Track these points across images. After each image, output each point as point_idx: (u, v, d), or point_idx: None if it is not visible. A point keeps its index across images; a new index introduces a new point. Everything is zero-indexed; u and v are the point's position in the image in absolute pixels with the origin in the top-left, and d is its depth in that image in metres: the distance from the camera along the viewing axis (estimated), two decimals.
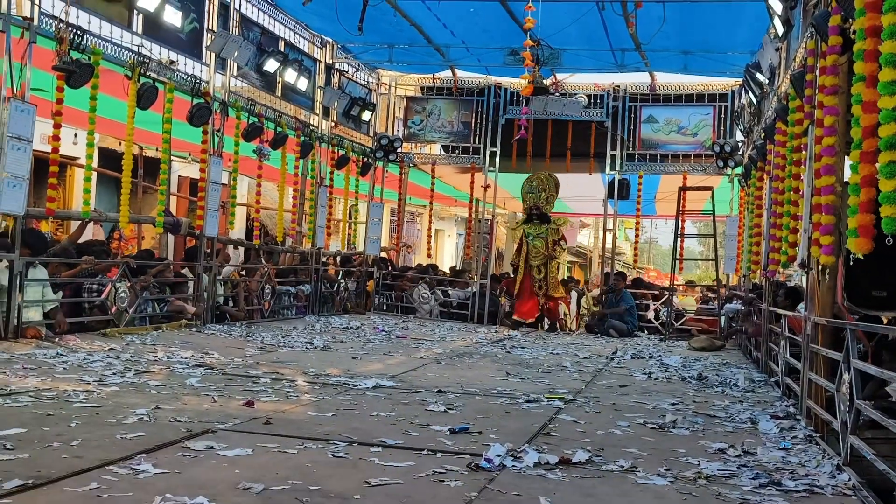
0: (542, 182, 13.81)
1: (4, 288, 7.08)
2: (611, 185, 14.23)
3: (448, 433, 4.51)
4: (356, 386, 6.02)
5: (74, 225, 11.40)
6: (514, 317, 13.43)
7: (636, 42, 12.05)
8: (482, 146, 14.57)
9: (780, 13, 7.51)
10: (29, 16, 7.32)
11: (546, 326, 13.60)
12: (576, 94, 14.25)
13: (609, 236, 15.01)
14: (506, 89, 14.54)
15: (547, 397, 6.01)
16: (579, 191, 17.56)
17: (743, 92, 12.16)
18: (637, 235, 15.93)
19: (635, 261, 17.67)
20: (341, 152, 13.09)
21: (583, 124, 14.38)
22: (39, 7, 7.45)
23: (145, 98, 8.55)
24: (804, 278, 6.15)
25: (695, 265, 30.22)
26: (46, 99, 7.82)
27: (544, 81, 12.42)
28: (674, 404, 6.00)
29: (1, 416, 4.18)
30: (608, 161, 14.25)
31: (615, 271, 14.35)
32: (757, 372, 8.35)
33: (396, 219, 16.74)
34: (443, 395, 5.84)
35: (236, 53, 10.16)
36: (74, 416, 4.29)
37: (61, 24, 7.52)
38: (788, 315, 6.90)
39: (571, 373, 7.77)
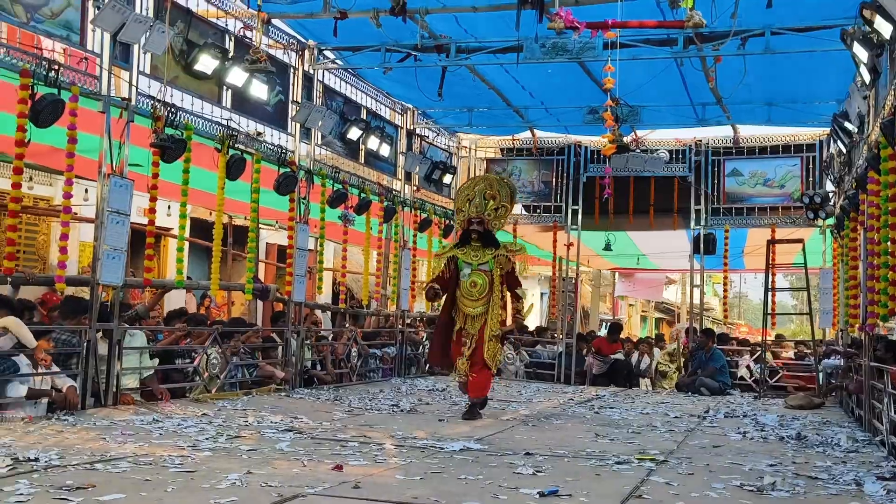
0: (489, 185, 8.51)
1: (104, 356, 7.34)
2: (696, 240, 14.01)
3: (537, 496, 4.44)
4: (443, 448, 6.00)
5: (175, 295, 11.80)
6: (472, 398, 8.20)
7: (717, 96, 11.96)
8: (564, 205, 14.57)
9: (865, 61, 7.37)
10: (127, 96, 7.72)
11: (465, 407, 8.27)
12: (657, 150, 14.17)
13: (696, 292, 14.71)
14: (586, 147, 14.57)
15: (638, 458, 5.86)
16: (664, 247, 17.34)
17: (831, 141, 11.90)
18: (725, 290, 15.56)
19: (725, 316, 17.24)
20: (424, 215, 13.25)
21: (665, 180, 14.26)
22: (137, 88, 7.86)
23: (234, 169, 8.86)
24: None
25: (788, 320, 29.29)
26: (143, 174, 8.18)
27: (624, 139, 12.36)
28: (772, 465, 5.78)
29: (101, 481, 4.30)
30: (692, 216, 14.06)
31: (703, 328, 14.01)
32: (860, 431, 7.99)
33: None
34: (531, 458, 5.76)
35: (320, 123, 10.48)
36: (171, 482, 4.39)
37: (157, 104, 7.90)
38: (892, 370, 6.61)
39: (662, 433, 7.58)
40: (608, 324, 17.80)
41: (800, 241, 12.95)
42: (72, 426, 6.19)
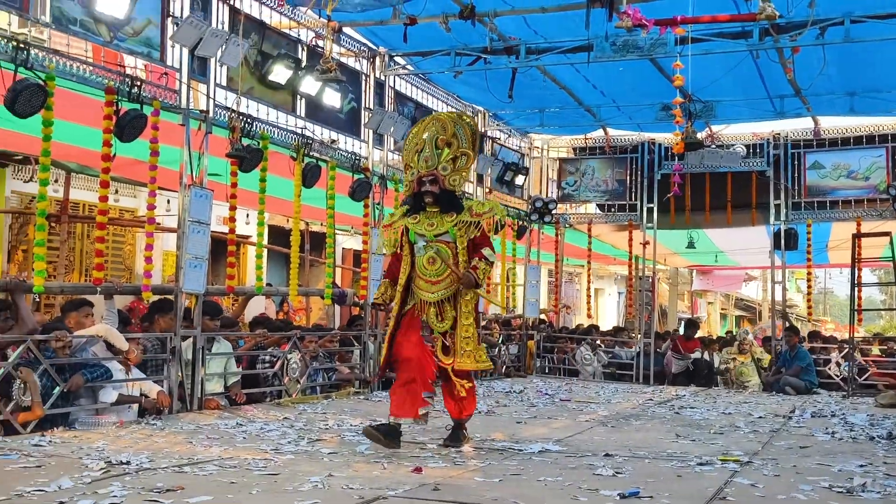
0: (442, 127, 6.21)
1: (189, 362, 7.56)
2: (776, 235, 13.67)
3: (618, 498, 4.40)
4: (522, 451, 5.99)
5: (255, 302, 12.07)
6: (391, 416, 5.92)
7: (795, 87, 11.65)
8: (638, 203, 14.39)
9: None
10: (205, 109, 7.94)
11: (448, 431, 6.28)
12: (733, 145, 13.88)
13: (778, 289, 14.36)
14: (660, 144, 14.36)
15: (721, 459, 5.76)
16: (743, 243, 16.98)
17: None
18: (809, 287, 15.15)
19: (809, 313, 16.77)
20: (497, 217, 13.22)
21: (742, 175, 13.96)
22: (214, 100, 8.07)
23: (309, 177, 9.02)
24: None
25: (877, 315, 28.32)
26: (221, 183, 8.40)
27: (698, 135, 12.05)
28: (862, 466, 5.61)
29: (190, 484, 4.43)
30: (772, 211, 13.72)
31: (787, 325, 13.66)
32: None
33: (554, 280, 16.69)
34: (611, 459, 5.71)
35: (392, 129, 10.58)
36: (255, 484, 4.49)
37: (233, 115, 8.10)
38: None
39: (746, 433, 7.42)
40: (685, 322, 17.53)
41: (887, 233, 12.50)
42: (160, 430, 6.38)
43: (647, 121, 13.49)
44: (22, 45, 6.21)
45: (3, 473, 4.61)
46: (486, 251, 6.17)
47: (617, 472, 5.18)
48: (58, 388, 6.27)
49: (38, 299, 9.52)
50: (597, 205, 15.37)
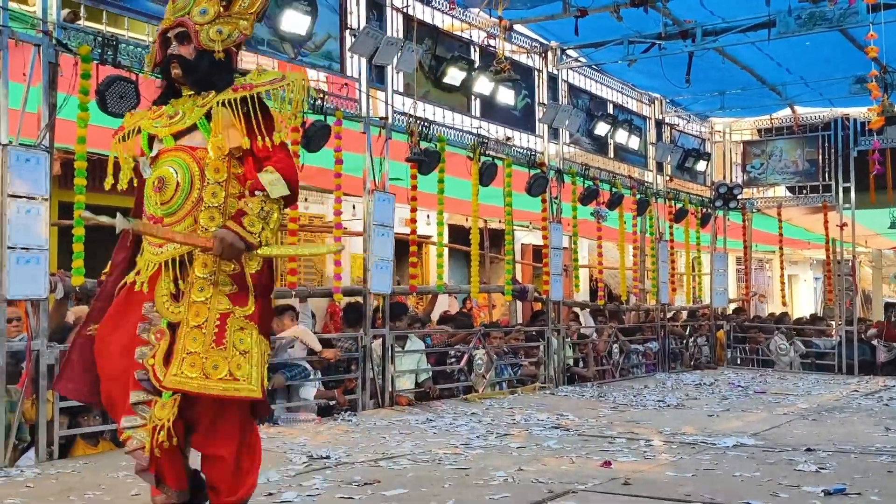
0: None
1: (379, 360, 7.87)
2: None
3: (822, 495, 4.20)
4: (715, 445, 5.82)
5: (439, 300, 12.39)
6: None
7: None
8: (833, 183, 13.56)
9: None
10: (384, 116, 8.23)
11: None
12: None
13: None
14: (854, 120, 13.46)
15: None
16: None
17: None
18: None
19: None
20: (679, 205, 12.89)
21: None
22: (392, 107, 8.35)
23: (486, 175, 9.13)
24: None
25: None
26: (402, 187, 8.66)
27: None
28: None
29: (386, 477, 4.62)
30: None
31: None
32: None
33: (743, 268, 16.02)
34: (812, 454, 5.44)
35: (567, 122, 10.52)
36: (447, 478, 4.62)
37: (411, 119, 8.34)
38: None
39: None
40: (884, 305, 16.38)
41: None
42: (355, 426, 6.68)
43: (840, 95, 12.65)
44: None
45: None
46: (266, 175, 3.22)
47: (820, 468, 4.93)
48: None
49: None
50: (786, 187, 14.61)
